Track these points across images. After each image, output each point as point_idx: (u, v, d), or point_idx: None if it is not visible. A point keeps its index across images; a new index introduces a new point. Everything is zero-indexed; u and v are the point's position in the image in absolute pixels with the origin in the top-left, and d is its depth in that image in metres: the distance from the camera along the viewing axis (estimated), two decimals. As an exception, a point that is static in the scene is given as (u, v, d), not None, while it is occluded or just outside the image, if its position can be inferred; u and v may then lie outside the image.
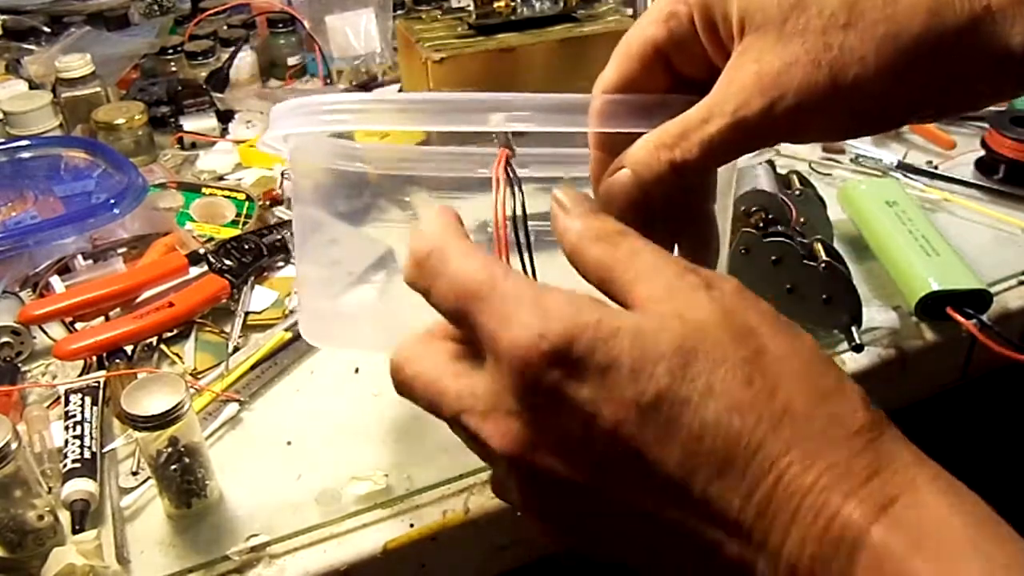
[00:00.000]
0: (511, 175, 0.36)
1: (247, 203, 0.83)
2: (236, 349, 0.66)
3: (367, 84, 1.06)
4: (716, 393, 0.28)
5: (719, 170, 0.39)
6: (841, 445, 0.27)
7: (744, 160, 0.57)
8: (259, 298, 0.72)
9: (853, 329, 0.62)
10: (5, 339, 0.66)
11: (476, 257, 0.31)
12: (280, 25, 1.12)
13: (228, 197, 0.84)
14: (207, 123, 0.98)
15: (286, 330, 0.67)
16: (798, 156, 0.86)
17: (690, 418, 0.27)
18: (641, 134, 0.35)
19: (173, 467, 0.52)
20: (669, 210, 0.34)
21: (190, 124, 0.97)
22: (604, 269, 0.32)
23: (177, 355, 0.66)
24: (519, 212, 0.36)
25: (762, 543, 0.27)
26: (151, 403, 0.50)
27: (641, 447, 0.28)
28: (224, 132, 0.98)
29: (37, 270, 0.72)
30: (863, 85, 0.31)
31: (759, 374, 0.28)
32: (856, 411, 0.28)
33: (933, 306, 0.65)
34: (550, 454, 0.29)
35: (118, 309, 0.69)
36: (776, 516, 0.27)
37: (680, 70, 0.36)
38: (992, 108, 0.93)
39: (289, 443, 0.59)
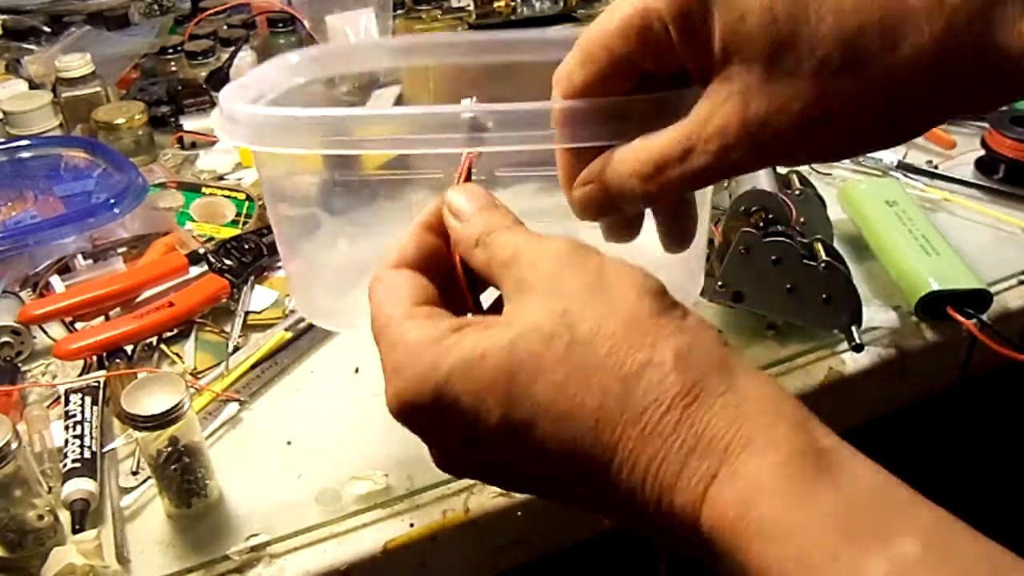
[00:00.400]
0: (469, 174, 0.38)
1: (247, 203, 0.83)
2: (236, 349, 0.66)
3: (367, 84, 1.06)
4: (542, 410, 0.30)
5: None
6: (655, 431, 0.28)
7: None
8: (259, 298, 0.72)
9: (853, 329, 0.62)
10: (5, 339, 0.66)
11: (385, 295, 0.35)
12: (280, 25, 1.12)
13: (228, 197, 0.84)
14: (207, 123, 0.97)
15: (286, 330, 0.67)
16: (798, 156, 0.86)
17: (532, 438, 0.30)
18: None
19: (173, 467, 0.52)
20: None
21: (190, 124, 0.97)
22: (488, 273, 0.34)
23: (177, 355, 0.66)
24: None
25: (630, 524, 0.30)
26: (151, 403, 0.50)
27: (503, 462, 0.32)
28: (224, 132, 0.98)
29: (37, 270, 0.72)
30: (858, 128, 0.31)
31: (573, 377, 0.29)
32: (665, 379, 0.29)
33: (933, 306, 0.65)
34: (438, 455, 0.35)
35: (118, 309, 0.69)
36: (628, 512, 0.29)
37: (647, 68, 0.35)
38: (992, 108, 0.93)
39: (289, 443, 0.59)
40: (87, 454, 0.55)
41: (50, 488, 0.54)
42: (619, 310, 0.30)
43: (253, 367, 0.64)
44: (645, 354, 0.29)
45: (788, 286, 0.62)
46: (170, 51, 1.07)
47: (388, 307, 0.34)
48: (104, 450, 0.57)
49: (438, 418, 0.32)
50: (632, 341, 0.29)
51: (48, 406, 0.61)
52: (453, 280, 0.36)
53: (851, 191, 0.77)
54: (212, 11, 1.17)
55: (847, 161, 0.86)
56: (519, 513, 0.54)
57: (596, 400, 0.29)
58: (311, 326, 0.68)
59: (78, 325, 0.68)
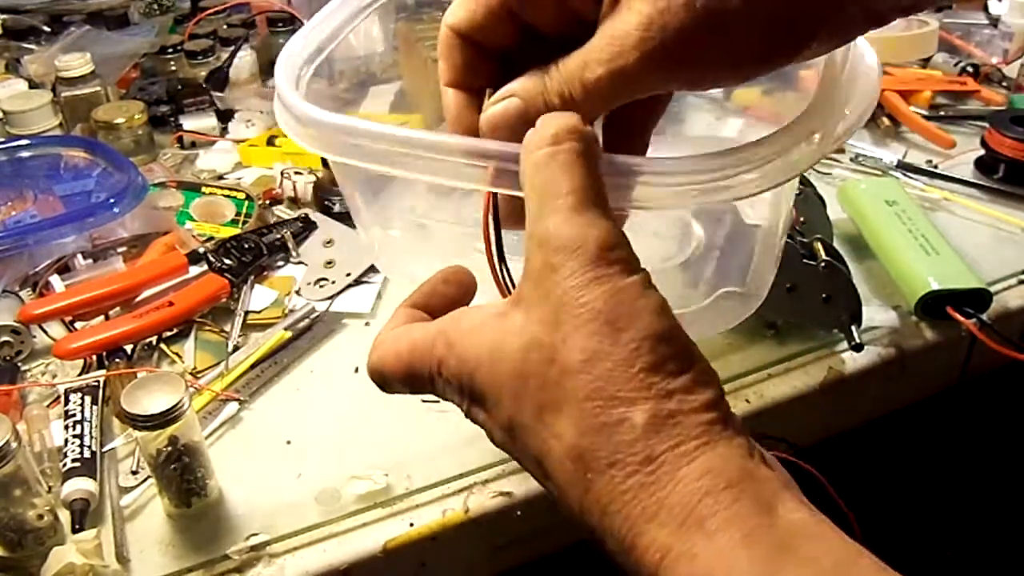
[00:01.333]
0: (495, 217, 0.38)
1: (247, 202, 0.83)
2: (236, 348, 0.66)
3: (367, 83, 1.06)
4: (532, 424, 0.32)
5: (772, 195, 0.38)
6: (619, 489, 0.29)
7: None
8: (259, 297, 0.72)
9: (853, 328, 0.62)
10: (5, 338, 0.66)
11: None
12: (280, 24, 1.11)
13: (228, 196, 0.84)
14: (207, 122, 0.97)
15: (286, 329, 0.67)
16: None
17: (523, 446, 0.33)
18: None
19: (173, 466, 0.52)
20: None
21: (190, 123, 0.97)
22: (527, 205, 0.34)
23: (177, 354, 0.66)
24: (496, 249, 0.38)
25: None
26: (151, 402, 0.50)
27: (505, 440, 0.34)
28: (224, 131, 0.98)
29: (37, 269, 0.72)
30: (741, 22, 0.30)
31: (558, 405, 0.30)
32: (635, 443, 0.29)
33: (933, 305, 0.65)
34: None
35: (118, 308, 0.69)
36: (602, 540, 0.30)
37: (530, 20, 0.35)
38: (992, 107, 0.93)
39: (289, 442, 0.59)
40: (87, 454, 0.55)
41: (50, 488, 0.53)
42: (613, 354, 0.30)
43: (253, 367, 0.64)
44: (622, 410, 0.29)
45: (788, 286, 0.62)
46: (170, 50, 1.07)
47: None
48: (104, 450, 0.57)
49: (470, 405, 0.35)
50: (615, 391, 0.30)
51: (48, 405, 0.61)
52: None
53: (851, 191, 0.77)
54: (212, 10, 1.17)
55: (847, 160, 0.86)
56: (519, 513, 0.54)
57: (572, 437, 0.30)
58: (311, 325, 0.68)
59: (78, 324, 0.68)
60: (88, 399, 0.59)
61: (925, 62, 1.01)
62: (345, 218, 0.81)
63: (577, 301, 0.30)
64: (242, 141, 0.94)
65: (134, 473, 0.56)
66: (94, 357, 0.64)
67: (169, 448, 0.51)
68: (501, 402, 0.32)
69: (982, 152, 0.83)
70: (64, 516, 0.52)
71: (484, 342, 0.33)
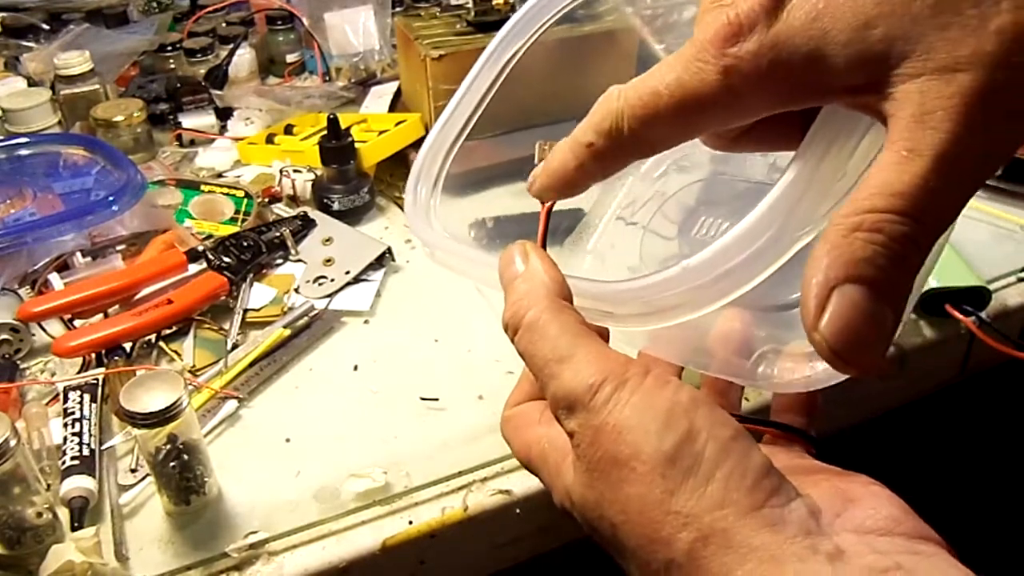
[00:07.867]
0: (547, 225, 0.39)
1: (246, 200, 0.83)
2: (235, 346, 0.66)
3: (366, 81, 1.06)
4: (616, 534, 0.31)
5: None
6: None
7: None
8: (258, 295, 0.72)
9: (852, 326, 0.62)
10: (4, 336, 0.66)
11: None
12: (279, 22, 1.12)
13: (227, 194, 0.84)
14: (206, 120, 0.98)
15: (285, 327, 0.67)
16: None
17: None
18: None
19: (172, 464, 0.52)
20: None
21: (189, 121, 0.97)
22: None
23: (176, 352, 0.66)
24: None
25: None
26: (150, 400, 0.50)
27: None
28: (223, 129, 0.98)
29: (36, 267, 0.72)
30: None
31: (618, 553, 0.31)
32: (671, 543, 0.29)
33: (932, 303, 0.65)
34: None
35: (117, 306, 0.69)
36: None
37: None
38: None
39: (288, 440, 0.59)
40: (86, 451, 0.55)
41: (49, 485, 0.54)
42: (634, 497, 0.30)
43: (252, 364, 0.64)
44: (665, 553, 0.29)
45: (787, 284, 0.62)
46: (169, 48, 1.07)
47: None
48: (103, 447, 0.57)
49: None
50: (652, 535, 0.29)
51: (47, 403, 0.61)
52: None
53: (850, 188, 0.77)
54: (211, 8, 1.17)
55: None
56: (518, 511, 0.54)
57: (626, 548, 0.31)
58: (310, 323, 0.68)
59: (77, 322, 0.68)
60: (87, 397, 0.59)
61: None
62: (344, 216, 0.81)
63: (594, 455, 0.31)
64: (241, 139, 0.94)
65: (133, 471, 0.56)
66: (93, 355, 0.64)
67: (168, 446, 0.52)
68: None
69: (981, 150, 0.83)
70: (63, 514, 0.52)
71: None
